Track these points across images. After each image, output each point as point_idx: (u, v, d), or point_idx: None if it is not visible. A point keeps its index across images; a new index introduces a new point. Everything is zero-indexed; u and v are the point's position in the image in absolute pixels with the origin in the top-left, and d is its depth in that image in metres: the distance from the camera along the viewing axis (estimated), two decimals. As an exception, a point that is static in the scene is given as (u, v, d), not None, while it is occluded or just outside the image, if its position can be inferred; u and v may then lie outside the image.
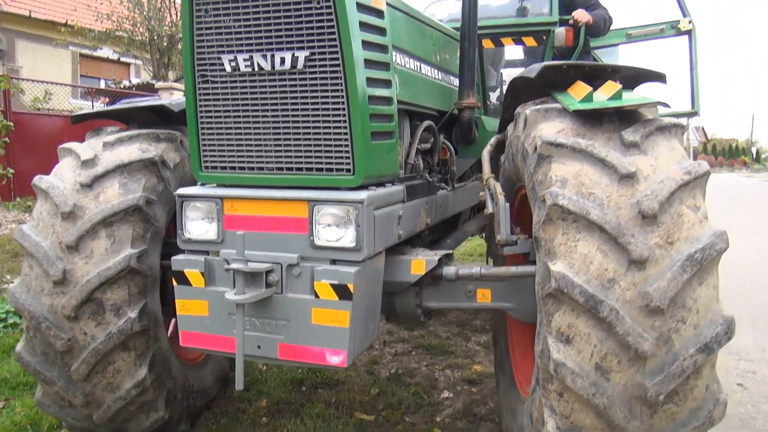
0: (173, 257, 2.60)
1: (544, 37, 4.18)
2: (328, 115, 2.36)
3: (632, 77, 2.66)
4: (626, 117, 2.33)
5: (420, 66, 3.11)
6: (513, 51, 5.15)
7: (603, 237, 2.00)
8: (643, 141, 2.21)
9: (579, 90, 2.45)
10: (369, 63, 2.40)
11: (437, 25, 3.47)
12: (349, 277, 2.30)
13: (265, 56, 2.37)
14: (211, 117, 2.54)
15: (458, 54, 3.51)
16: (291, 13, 2.30)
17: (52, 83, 11.77)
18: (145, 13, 13.67)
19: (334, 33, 2.28)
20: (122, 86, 11.73)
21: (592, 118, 2.33)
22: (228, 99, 2.49)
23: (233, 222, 2.51)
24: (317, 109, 2.37)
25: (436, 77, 3.39)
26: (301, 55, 2.33)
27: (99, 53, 16.04)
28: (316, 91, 2.35)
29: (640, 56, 4.89)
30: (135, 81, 11.90)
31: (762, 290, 6.31)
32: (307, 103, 2.38)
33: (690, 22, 4.54)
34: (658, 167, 2.13)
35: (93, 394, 2.70)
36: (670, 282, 1.92)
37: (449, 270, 2.78)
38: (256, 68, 2.39)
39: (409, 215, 2.80)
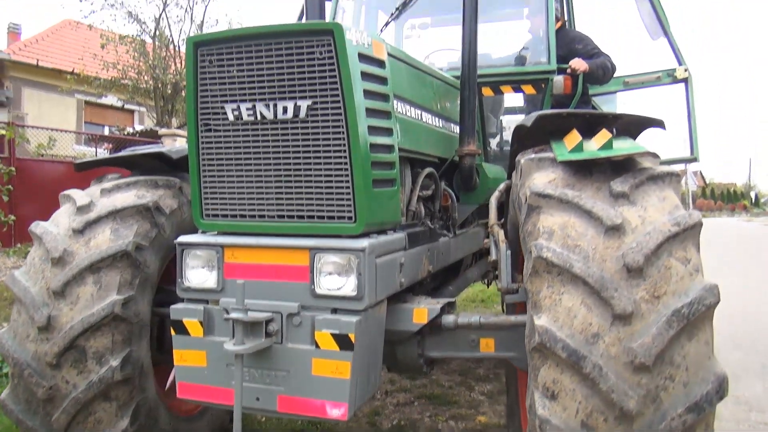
0: (172, 306, 2.57)
1: (543, 85, 4.23)
2: (330, 163, 2.37)
3: (632, 124, 2.68)
4: (619, 166, 2.31)
5: (421, 114, 3.14)
6: (513, 98, 5.22)
7: (587, 290, 1.97)
8: (633, 191, 2.18)
9: (571, 139, 2.45)
10: (370, 112, 2.41)
11: (437, 74, 3.52)
12: (351, 326, 2.26)
13: (267, 105, 2.39)
14: (213, 165, 2.54)
15: (458, 102, 3.55)
16: (294, 64, 2.33)
17: (56, 130, 11.91)
18: (150, 62, 13.93)
19: (336, 82, 2.30)
20: (126, 133, 11.88)
21: (583, 168, 2.32)
22: (230, 147, 2.50)
23: (233, 270, 2.48)
24: (319, 157, 2.38)
25: (437, 125, 3.41)
26: (304, 104, 2.35)
27: (104, 100, 16.30)
28: (318, 139, 2.36)
29: (640, 103, 4.95)
30: (138, 128, 12.06)
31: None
32: (309, 152, 2.38)
33: (686, 70, 4.61)
34: (647, 218, 2.10)
35: None
36: (656, 338, 1.86)
37: (448, 319, 2.74)
38: (259, 117, 2.41)
39: (411, 263, 2.78)
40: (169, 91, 14.34)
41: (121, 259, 2.70)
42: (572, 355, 1.89)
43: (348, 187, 2.36)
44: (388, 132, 2.57)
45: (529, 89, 4.31)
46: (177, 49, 14.76)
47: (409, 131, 2.93)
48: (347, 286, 2.32)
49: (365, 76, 2.39)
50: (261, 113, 2.40)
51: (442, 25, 5.32)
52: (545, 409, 1.92)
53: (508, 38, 4.79)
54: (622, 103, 4.93)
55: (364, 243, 2.32)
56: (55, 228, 2.80)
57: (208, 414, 3.41)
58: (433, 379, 4.68)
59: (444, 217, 3.54)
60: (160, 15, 14.44)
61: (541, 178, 2.35)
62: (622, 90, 4.87)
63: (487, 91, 4.27)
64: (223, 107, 2.47)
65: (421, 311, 2.71)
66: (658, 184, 2.24)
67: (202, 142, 2.54)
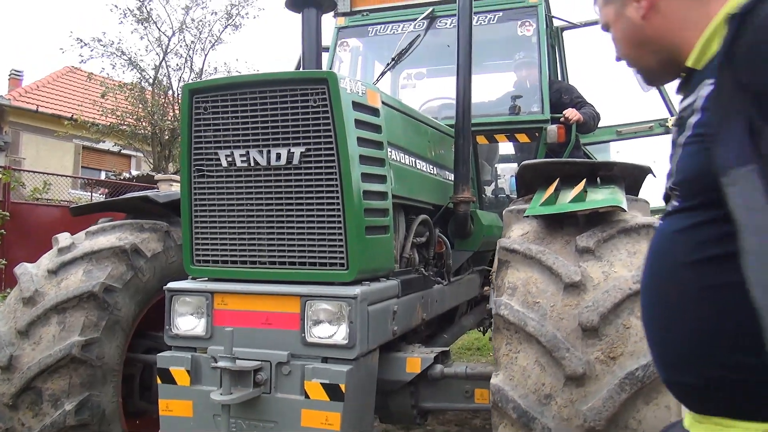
0: (159, 354, 2.52)
1: (537, 134, 4.28)
2: (323, 210, 2.36)
3: (624, 171, 2.69)
4: (595, 219, 2.27)
5: (415, 161, 3.16)
6: (508, 146, 5.27)
7: (540, 350, 1.94)
8: (599, 246, 2.14)
9: (548, 191, 2.46)
10: (364, 159, 2.42)
11: (432, 122, 3.55)
12: (341, 376, 2.21)
13: (261, 152, 2.40)
14: (205, 211, 2.53)
15: (453, 149, 3.58)
16: (288, 111, 2.35)
17: (52, 174, 11.95)
18: (148, 108, 14.10)
19: (329, 130, 2.32)
20: (123, 178, 11.92)
21: (557, 221, 2.30)
22: (223, 193, 2.50)
23: (223, 317, 2.44)
24: (312, 204, 2.37)
25: (431, 172, 3.42)
26: (297, 151, 2.36)
27: (101, 145, 16.43)
28: (311, 186, 2.36)
29: (634, 152, 5.00)
30: (135, 173, 12.11)
31: None
32: (301, 198, 2.38)
33: (677, 120, 4.67)
34: (611, 275, 2.05)
35: None
36: (606, 401, 1.81)
37: (435, 370, 2.68)
38: (252, 163, 2.41)
39: (404, 310, 2.74)
40: (167, 137, 14.47)
41: (88, 300, 2.68)
42: (522, 416, 1.87)
43: (340, 234, 2.34)
44: (382, 179, 2.57)
45: (523, 138, 4.36)
46: (175, 95, 14.98)
47: (403, 178, 2.93)
48: (338, 334, 2.28)
49: (359, 123, 2.41)
50: (254, 159, 2.41)
51: (437, 76, 5.42)
52: None
53: (502, 89, 4.86)
54: (616, 152, 4.98)
55: (356, 290, 2.29)
56: (34, 269, 2.83)
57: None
58: (428, 430, 4.56)
59: (438, 264, 3.52)
60: (160, 63, 14.71)
61: (516, 231, 2.38)
62: (615, 140, 4.92)
63: (481, 140, 4.31)
64: (216, 153, 2.48)
65: (415, 360, 2.66)
66: (632, 236, 2.19)
67: (195, 188, 2.54)
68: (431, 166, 3.44)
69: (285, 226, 2.41)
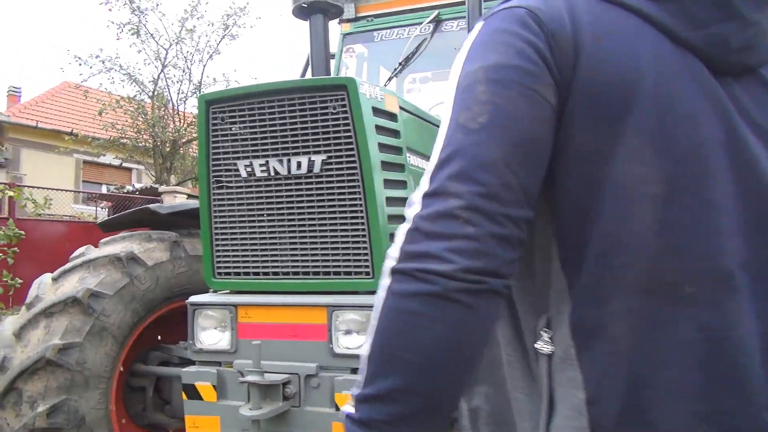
0: (183, 369, 2.48)
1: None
2: (346, 218, 2.32)
3: None
4: None
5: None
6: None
7: None
8: None
9: None
10: (385, 165, 2.39)
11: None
12: (373, 387, 2.17)
13: (281, 161, 2.36)
14: (225, 222, 2.50)
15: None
16: (307, 119, 2.32)
17: (54, 189, 11.93)
18: (148, 120, 14.08)
19: (350, 136, 2.28)
20: (126, 191, 11.88)
21: None
22: (243, 204, 2.46)
23: (248, 330, 2.40)
24: (334, 212, 2.34)
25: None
26: (318, 158, 2.32)
27: (102, 159, 16.41)
28: (333, 193, 2.33)
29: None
30: (138, 186, 12.06)
31: None
32: (323, 206, 2.34)
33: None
34: None
35: None
36: None
37: None
38: (272, 173, 2.38)
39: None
40: (168, 149, 14.44)
41: (73, 305, 2.70)
42: None
43: (365, 242, 2.31)
44: (403, 185, 2.54)
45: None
46: (175, 108, 14.98)
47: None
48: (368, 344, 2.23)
49: (379, 129, 2.38)
50: (274, 169, 2.37)
51: (442, 79, 5.39)
52: None
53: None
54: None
55: (383, 299, 2.25)
56: (46, 278, 2.94)
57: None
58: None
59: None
60: (159, 76, 14.70)
61: None
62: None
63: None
64: (235, 164, 2.44)
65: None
66: None
67: (214, 200, 2.51)
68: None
69: (308, 236, 2.37)
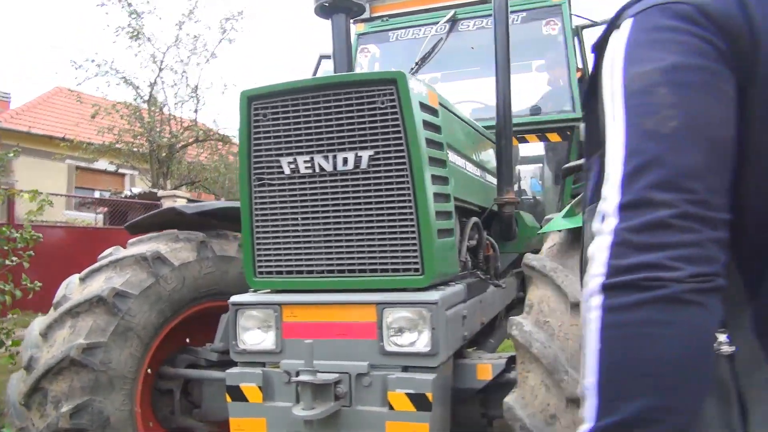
0: (227, 371, 2.42)
1: (569, 133, 4.24)
2: (394, 214, 2.29)
3: None
4: None
5: (465, 163, 3.10)
6: (526, 148, 5.22)
7: (544, 371, 1.96)
8: None
9: (576, 202, 2.44)
10: (431, 161, 2.36)
11: (473, 124, 3.50)
12: (428, 385, 2.14)
13: (326, 157, 2.33)
14: (267, 221, 2.46)
15: (488, 151, 3.54)
16: (353, 114, 2.29)
17: (53, 194, 11.80)
18: (145, 125, 13.97)
19: (399, 132, 2.25)
20: (124, 196, 11.77)
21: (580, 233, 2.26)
22: (286, 201, 2.42)
23: (293, 330, 2.36)
24: (382, 209, 2.30)
25: (477, 174, 3.37)
26: (365, 154, 2.29)
27: (95, 165, 16.26)
28: (381, 190, 2.29)
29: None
30: (136, 191, 11.95)
31: None
32: (371, 203, 2.31)
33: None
34: None
35: None
36: None
37: (510, 375, 2.60)
38: (317, 169, 2.34)
39: (470, 315, 2.67)
40: (164, 154, 14.33)
41: (98, 305, 2.68)
42: None
43: (414, 239, 2.27)
44: (445, 181, 2.52)
45: (554, 137, 4.32)
46: (171, 112, 14.89)
47: (457, 180, 2.87)
48: (420, 341, 2.20)
49: (425, 124, 2.35)
50: (320, 165, 2.34)
51: (451, 80, 5.37)
52: None
53: (530, 89, 4.83)
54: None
55: (435, 295, 2.22)
56: (75, 278, 2.95)
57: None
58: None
59: (486, 267, 3.45)
60: (155, 80, 14.60)
61: (548, 243, 2.39)
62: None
63: (514, 141, 4.25)
64: (278, 161, 2.40)
65: (485, 367, 2.58)
66: None
67: (256, 198, 2.46)
68: (476, 168, 3.38)
69: (354, 233, 2.33)
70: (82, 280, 2.90)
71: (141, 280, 2.84)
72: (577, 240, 2.29)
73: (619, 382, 0.74)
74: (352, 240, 2.34)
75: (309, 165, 2.35)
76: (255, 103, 2.41)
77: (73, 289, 2.89)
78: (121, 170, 17.11)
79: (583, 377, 0.79)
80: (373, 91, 2.26)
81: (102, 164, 16.26)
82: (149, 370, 3.08)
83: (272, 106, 2.39)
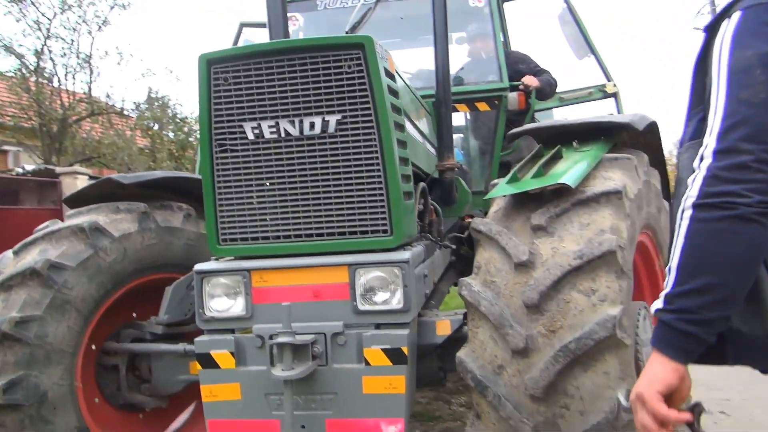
0: (196, 339, 2.40)
1: (497, 102, 4.42)
2: (362, 178, 2.34)
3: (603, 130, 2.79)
4: (560, 190, 2.28)
5: (413, 129, 3.18)
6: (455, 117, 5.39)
7: (491, 326, 2.12)
8: (552, 222, 2.21)
9: (522, 168, 2.51)
10: (395, 125, 2.42)
11: (415, 92, 3.59)
12: (403, 339, 2.24)
13: (292, 122, 2.33)
14: (230, 187, 2.43)
15: (425, 119, 3.66)
16: (320, 78, 2.30)
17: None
18: (34, 97, 12.91)
19: (366, 96, 2.30)
20: (15, 173, 10.87)
21: (527, 196, 2.35)
22: (250, 167, 2.40)
23: (263, 295, 2.37)
24: (350, 172, 2.34)
25: (420, 140, 3.47)
26: (332, 119, 2.31)
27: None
28: (349, 154, 2.33)
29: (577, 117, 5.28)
30: (29, 167, 11.06)
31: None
32: (338, 167, 2.34)
33: (614, 85, 5.01)
34: (559, 251, 2.12)
35: None
36: (543, 372, 1.96)
37: (465, 331, 2.76)
38: (283, 134, 2.34)
39: (429, 275, 2.79)
40: (56, 129, 13.34)
41: (31, 278, 2.62)
42: (478, 384, 2.09)
43: (383, 201, 2.34)
44: (405, 145, 2.59)
45: (483, 106, 4.49)
46: (61, 83, 13.86)
47: (410, 145, 2.95)
48: (394, 299, 2.29)
49: (389, 90, 2.40)
50: (285, 130, 2.34)
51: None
52: (472, 426, 2.17)
53: (458, 60, 4.96)
54: (561, 118, 5.25)
55: (406, 255, 2.31)
56: (9, 252, 2.86)
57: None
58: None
59: (431, 231, 3.58)
60: (42, 49, 13.48)
61: (494, 207, 2.50)
62: (558, 106, 5.20)
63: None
64: (241, 126, 2.38)
65: (444, 323, 2.70)
66: (589, 207, 2.22)
67: (218, 164, 2.42)
68: (419, 134, 3.48)
69: (322, 197, 2.36)
70: (16, 253, 2.77)
71: (78, 252, 2.76)
72: (520, 205, 2.40)
73: (693, 265, 1.15)
74: (320, 204, 2.37)
75: (274, 130, 2.34)
76: (215, 66, 2.36)
77: (6, 263, 2.75)
78: (4, 147, 15.74)
79: (669, 261, 1.19)
80: (340, 56, 2.28)
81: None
82: (93, 346, 2.98)
83: (234, 69, 2.35)
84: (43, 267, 2.62)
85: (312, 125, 2.32)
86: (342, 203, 2.36)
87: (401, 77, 3.05)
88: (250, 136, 2.37)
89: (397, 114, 2.52)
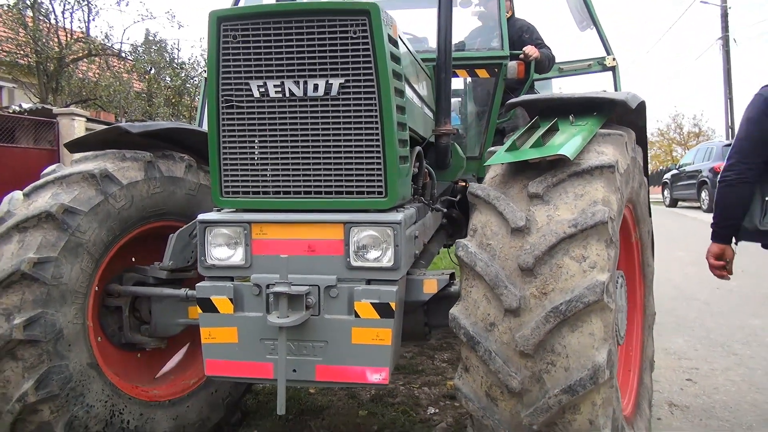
0: (198, 284, 2.54)
1: (497, 70, 4.49)
2: (361, 140, 2.45)
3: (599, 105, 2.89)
4: (556, 161, 2.38)
5: (413, 94, 3.27)
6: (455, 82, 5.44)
7: (486, 286, 2.24)
8: (548, 191, 2.32)
9: (520, 137, 2.61)
10: (395, 91, 2.52)
11: (416, 56, 3.65)
12: (392, 295, 2.38)
13: (297, 83, 2.42)
14: (234, 142, 2.53)
15: (424, 83, 3.73)
16: (326, 42, 2.38)
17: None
18: (30, 33, 12.74)
19: (369, 62, 2.38)
20: (12, 111, 10.80)
21: (523, 164, 2.47)
22: (254, 124, 2.50)
23: (262, 246, 2.50)
24: (350, 134, 2.45)
25: (419, 104, 3.56)
26: (335, 82, 2.41)
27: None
28: (350, 116, 2.43)
29: (572, 88, 5.36)
30: (26, 106, 10.99)
31: (683, 300, 6.96)
32: (339, 128, 2.45)
33: (614, 59, 5.08)
34: (554, 218, 2.25)
35: None
36: (534, 330, 2.10)
37: (451, 289, 2.91)
38: (287, 94, 2.44)
39: (419, 236, 2.92)
40: (53, 67, 13.21)
41: (47, 221, 2.72)
42: (470, 340, 2.21)
43: (379, 164, 2.45)
44: (403, 111, 2.69)
45: (483, 73, 4.55)
46: (58, 21, 13.64)
47: (408, 110, 3.05)
48: (384, 257, 2.42)
49: (391, 56, 2.49)
50: (290, 90, 2.43)
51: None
52: (460, 378, 2.28)
53: (461, 26, 4.99)
54: (558, 88, 5.33)
55: (398, 216, 2.44)
56: (17, 194, 2.91)
57: (192, 399, 3.37)
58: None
59: (423, 194, 3.71)
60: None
61: (489, 173, 2.59)
62: (557, 76, 5.26)
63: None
64: (247, 84, 2.46)
65: (431, 282, 2.85)
66: (583, 178, 2.34)
67: (223, 119, 2.52)
68: (418, 99, 3.57)
69: (322, 156, 2.47)
70: (27, 195, 2.85)
71: (90, 197, 2.85)
72: (517, 172, 2.51)
73: (717, 207, 3.20)
74: (319, 163, 2.48)
75: (279, 89, 2.43)
76: (224, 24, 2.43)
77: (17, 204, 2.83)
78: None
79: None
80: (346, 21, 2.36)
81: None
82: (96, 288, 3.11)
83: (243, 28, 2.42)
84: (59, 211, 2.71)
85: (315, 87, 2.41)
86: (340, 164, 2.47)
87: (404, 42, 3.12)
88: (256, 94, 2.46)
89: (398, 80, 2.60)
